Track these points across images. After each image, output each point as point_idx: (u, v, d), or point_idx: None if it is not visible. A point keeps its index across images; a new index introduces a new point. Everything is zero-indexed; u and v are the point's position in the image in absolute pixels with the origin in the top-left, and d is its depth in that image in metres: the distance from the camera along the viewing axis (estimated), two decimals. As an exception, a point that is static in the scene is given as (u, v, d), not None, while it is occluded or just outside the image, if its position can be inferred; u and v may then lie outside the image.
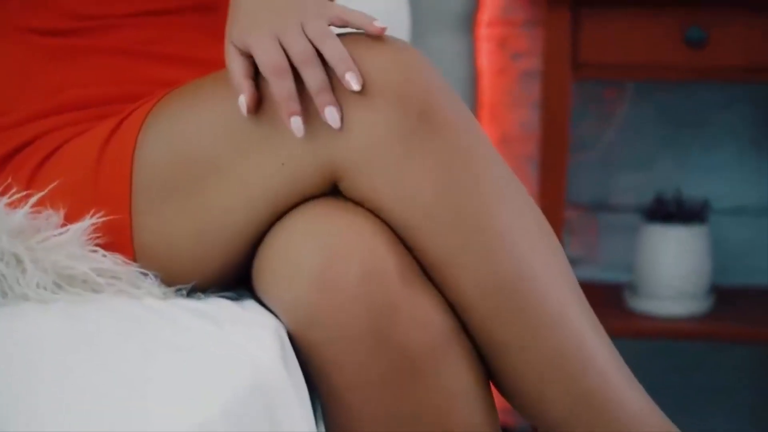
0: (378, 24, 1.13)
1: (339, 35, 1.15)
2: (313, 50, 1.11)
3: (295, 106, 1.11)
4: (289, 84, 1.11)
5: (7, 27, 1.32)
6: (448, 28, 2.37)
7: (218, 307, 1.18)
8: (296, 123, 1.11)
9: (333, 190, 1.17)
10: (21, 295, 1.16)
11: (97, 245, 1.20)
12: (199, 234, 1.19)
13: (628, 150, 2.47)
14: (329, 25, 1.13)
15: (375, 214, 1.16)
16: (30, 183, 1.24)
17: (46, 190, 1.21)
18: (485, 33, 2.49)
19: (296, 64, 1.10)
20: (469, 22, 2.39)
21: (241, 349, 1.07)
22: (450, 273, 1.14)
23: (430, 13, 2.36)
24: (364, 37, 1.15)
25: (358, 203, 1.16)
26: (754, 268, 2.43)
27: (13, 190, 1.21)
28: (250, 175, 1.16)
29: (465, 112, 1.16)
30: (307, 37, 1.11)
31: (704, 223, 2.27)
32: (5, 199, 1.20)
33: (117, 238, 1.20)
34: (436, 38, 2.37)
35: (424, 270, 1.16)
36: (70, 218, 1.21)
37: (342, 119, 1.11)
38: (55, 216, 1.21)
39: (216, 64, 1.25)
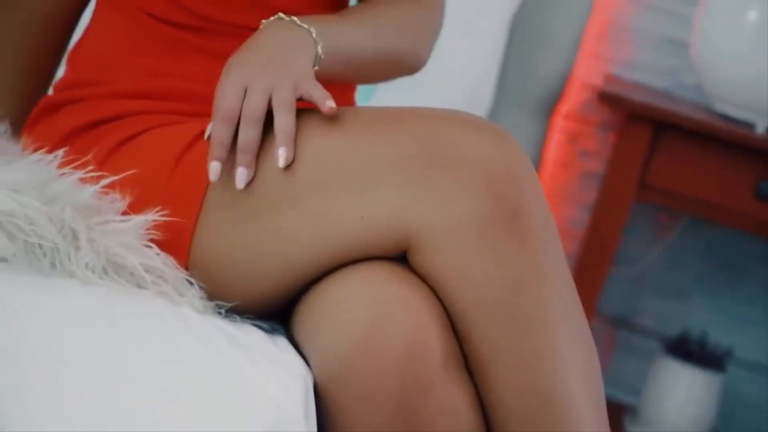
0: (330, 104, 1.16)
1: (450, 112, 1.16)
2: (262, 112, 1.16)
3: (222, 153, 1.16)
4: (227, 132, 1.16)
5: (126, 3, 1.33)
6: (526, 109, 2.38)
7: (252, 337, 1.18)
8: (215, 168, 1.16)
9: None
10: (69, 271, 1.16)
11: (153, 241, 1.20)
12: (258, 257, 1.19)
13: (665, 277, 2.46)
14: (298, 96, 1.17)
15: (434, 291, 1.16)
16: (105, 160, 1.25)
17: (120, 176, 1.21)
18: (560, 124, 2.49)
19: (242, 116, 1.16)
20: (548, 110, 2.39)
21: (267, 392, 1.06)
22: (491, 369, 1.14)
23: (514, 90, 2.36)
24: (467, 118, 1.16)
25: (422, 276, 1.16)
26: (760, 423, 2.42)
27: (90, 167, 1.21)
28: (327, 217, 1.16)
29: (550, 223, 1.16)
30: (271, 98, 1.16)
31: (723, 373, 2.26)
32: (79, 174, 1.20)
33: (175, 240, 1.20)
34: (513, 115, 2.38)
35: (465, 358, 1.16)
36: (134, 206, 1.21)
37: (247, 181, 1.16)
38: (120, 201, 1.22)
39: None
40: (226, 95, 1.17)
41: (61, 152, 1.22)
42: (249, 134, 1.16)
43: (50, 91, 1.42)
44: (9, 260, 1.14)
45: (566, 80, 2.41)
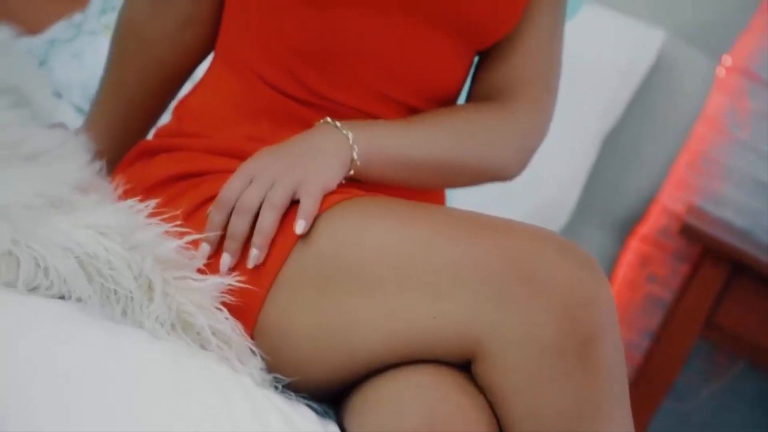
0: (301, 224, 1.18)
1: (537, 230, 1.16)
2: (255, 204, 1.20)
3: (235, 245, 1.20)
4: (218, 217, 1.21)
5: (238, 61, 1.35)
6: (604, 226, 2.37)
7: (304, 419, 1.17)
8: (225, 260, 1.20)
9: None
10: (138, 321, 1.16)
11: (224, 304, 1.20)
12: (326, 339, 1.19)
13: (711, 418, 2.43)
14: (295, 197, 1.20)
15: (491, 403, 1.15)
16: (192, 214, 1.26)
17: (203, 235, 1.22)
18: (634, 245, 2.48)
19: (235, 205, 1.21)
20: (626, 229, 2.38)
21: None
22: None
23: (595, 206, 2.36)
24: (558, 240, 1.16)
25: (482, 387, 1.15)
26: None
27: (178, 222, 1.22)
28: (401, 311, 1.16)
29: (620, 355, 1.15)
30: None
31: None
32: (166, 226, 1.21)
33: (245, 306, 1.20)
34: (589, 229, 2.37)
35: None
36: (212, 266, 1.22)
37: (229, 267, 1.19)
38: (199, 260, 1.22)
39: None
40: (231, 184, 1.22)
41: (152, 203, 1.23)
42: (237, 224, 1.20)
43: (150, 136, 1.44)
44: (84, 301, 1.15)
45: (649, 203, 2.40)
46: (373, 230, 1.18)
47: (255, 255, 1.19)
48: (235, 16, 1.36)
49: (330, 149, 1.25)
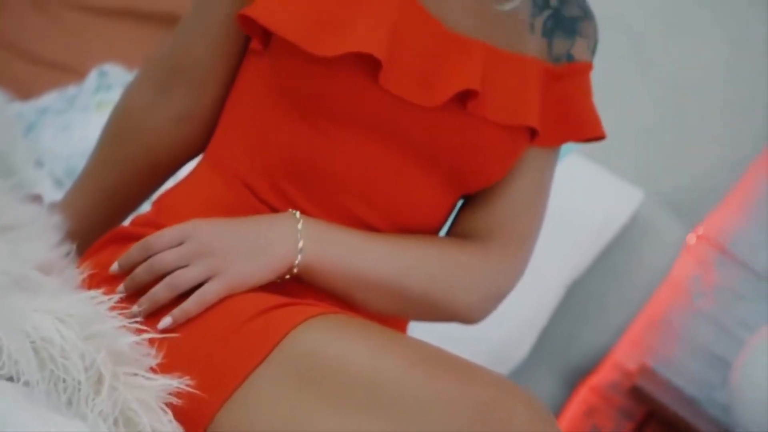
0: (167, 320, 1.22)
1: (499, 378, 1.16)
2: (163, 272, 1.24)
3: (131, 288, 1.25)
4: (136, 256, 1.25)
5: (225, 164, 1.36)
6: (555, 373, 2.37)
7: None
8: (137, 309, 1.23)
9: None
10: (82, 413, 1.15)
11: (173, 407, 1.19)
12: None
13: None
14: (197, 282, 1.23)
15: None
16: (155, 312, 1.25)
17: (161, 336, 1.21)
18: (583, 394, 2.48)
19: (150, 258, 1.25)
20: (577, 378, 2.39)
21: None
22: None
23: (549, 353, 2.36)
24: (526, 396, 1.16)
25: None
26: None
27: (138, 319, 1.22)
28: None
29: None
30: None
31: None
32: (125, 321, 1.21)
33: (195, 413, 1.19)
34: (541, 374, 2.37)
35: None
36: (166, 367, 1.20)
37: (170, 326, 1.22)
38: (153, 358, 1.21)
39: None
40: (164, 235, 1.26)
41: (115, 297, 1.23)
42: (141, 274, 1.25)
43: (127, 222, 1.44)
44: (31, 385, 1.14)
45: (603, 356, 2.41)
46: (352, 351, 1.18)
47: (135, 312, 1.23)
48: (231, 121, 1.38)
49: (272, 242, 1.27)
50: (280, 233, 1.28)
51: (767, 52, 2.48)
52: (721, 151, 2.51)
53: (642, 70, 2.53)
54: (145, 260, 1.26)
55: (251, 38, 1.35)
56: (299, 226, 1.28)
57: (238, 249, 1.26)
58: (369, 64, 1.27)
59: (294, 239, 1.28)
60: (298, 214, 1.30)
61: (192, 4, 1.40)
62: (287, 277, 1.29)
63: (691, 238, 2.49)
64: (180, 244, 1.26)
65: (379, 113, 1.30)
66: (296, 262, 1.27)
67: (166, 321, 1.22)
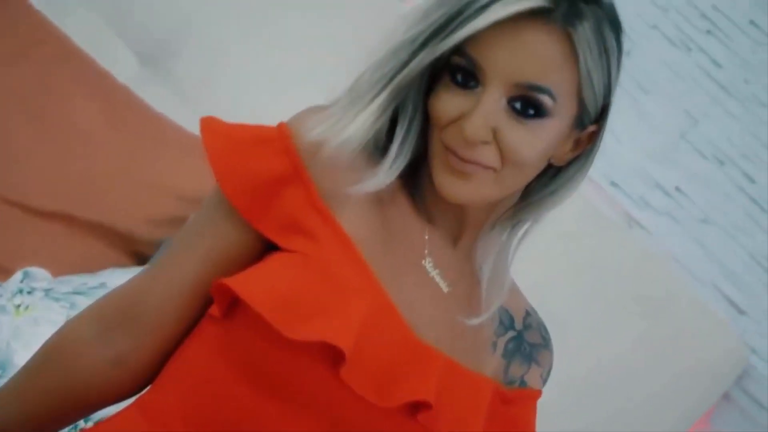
0: None
1: None
2: None
3: None
4: None
5: (155, 418, 1.31)
6: None
7: None
8: None
9: None
10: None
11: None
12: None
13: None
14: None
15: None
16: None
17: None
18: None
19: None
20: None
21: None
22: None
23: None
24: None
25: None
26: None
27: None
28: None
29: None
30: None
31: None
32: None
33: None
34: None
35: None
36: None
37: None
38: None
39: None
40: None
41: None
42: None
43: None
44: None
45: None
46: None
47: None
48: (172, 376, 1.33)
49: None
50: None
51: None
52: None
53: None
54: None
55: (212, 302, 1.31)
56: None
57: None
58: (332, 355, 1.25)
59: None
60: None
61: (162, 254, 1.36)
62: None
63: None
64: None
65: (332, 404, 1.27)
66: None
67: None
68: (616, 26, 1.28)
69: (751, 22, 2.66)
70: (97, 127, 2.44)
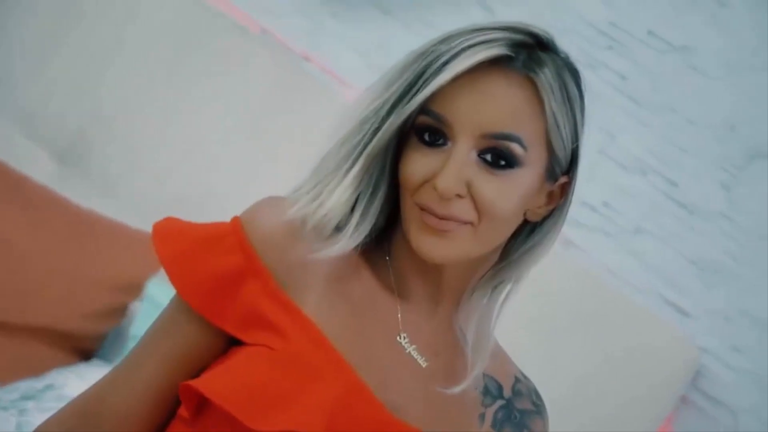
0: None
1: None
2: None
3: None
4: None
5: None
6: None
7: None
8: None
9: None
10: None
11: None
12: None
13: None
14: None
15: None
16: None
17: None
18: None
19: None
20: None
21: None
22: None
23: None
24: None
25: None
26: None
27: None
28: None
29: None
30: None
31: None
32: None
33: None
34: None
35: None
36: None
37: None
38: None
39: None
40: None
41: None
42: None
43: None
44: None
45: None
46: None
47: None
48: None
49: None
50: None
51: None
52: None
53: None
54: None
55: (180, 404, 1.28)
56: None
57: None
58: None
59: None
60: None
61: (125, 356, 1.33)
62: None
63: None
64: None
65: None
66: None
67: None
68: (575, 73, 1.28)
69: (650, 32, 2.71)
70: (20, 232, 2.43)
